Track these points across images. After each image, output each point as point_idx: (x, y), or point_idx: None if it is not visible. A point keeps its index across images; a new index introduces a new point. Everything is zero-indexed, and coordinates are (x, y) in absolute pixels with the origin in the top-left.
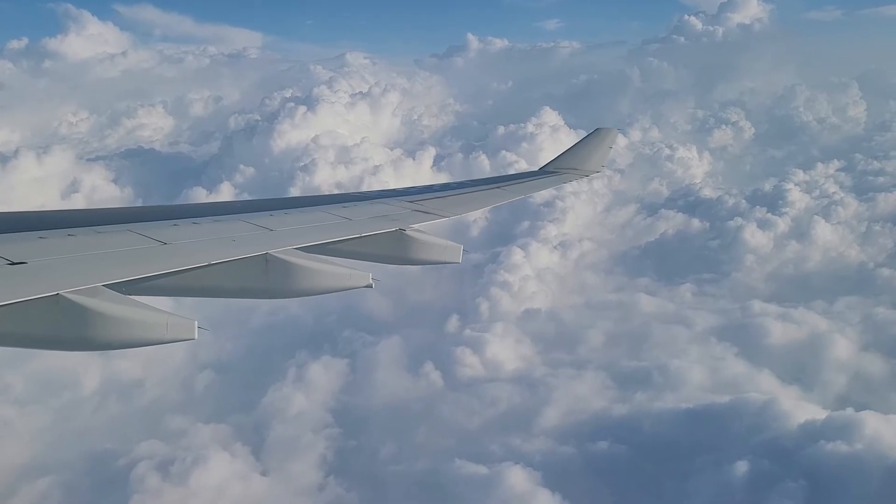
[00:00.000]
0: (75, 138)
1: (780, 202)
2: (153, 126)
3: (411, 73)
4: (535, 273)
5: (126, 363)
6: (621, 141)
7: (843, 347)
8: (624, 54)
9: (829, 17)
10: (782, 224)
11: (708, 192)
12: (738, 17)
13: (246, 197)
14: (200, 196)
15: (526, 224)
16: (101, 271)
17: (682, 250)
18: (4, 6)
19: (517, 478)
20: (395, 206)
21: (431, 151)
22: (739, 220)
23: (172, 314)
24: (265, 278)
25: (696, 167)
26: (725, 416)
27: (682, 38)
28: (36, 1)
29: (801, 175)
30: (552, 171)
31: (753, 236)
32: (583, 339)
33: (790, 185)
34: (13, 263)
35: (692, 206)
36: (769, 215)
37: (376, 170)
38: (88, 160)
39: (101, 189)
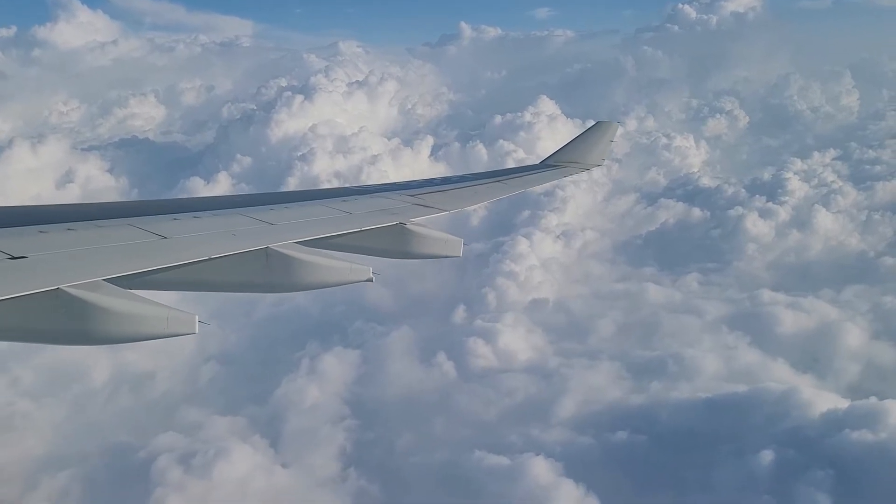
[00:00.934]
0: (66, 128)
1: (780, 191)
2: (145, 115)
3: (404, 62)
4: (539, 263)
5: (134, 355)
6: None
7: (854, 336)
8: (617, 43)
9: (820, 6)
10: (783, 213)
11: (706, 181)
12: (731, 6)
13: (243, 187)
14: (198, 186)
15: (526, 214)
16: (101, 265)
17: (684, 239)
18: None
19: (540, 468)
20: (396, 199)
21: (429, 141)
22: (740, 209)
23: (173, 308)
24: (266, 272)
25: (693, 156)
26: (745, 405)
27: (676, 27)
28: None
29: (798, 164)
30: (553, 165)
31: (755, 225)
32: (593, 328)
33: (789, 174)
34: (13, 258)
35: (691, 195)
36: (769, 204)
37: (375, 159)
38: (83, 150)
39: (96, 179)
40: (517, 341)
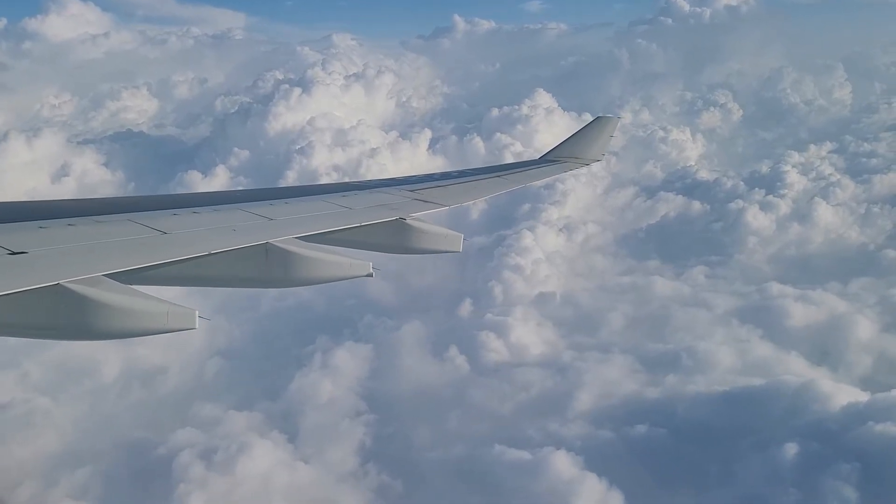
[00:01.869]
0: (58, 121)
1: (779, 184)
2: (138, 108)
3: (398, 55)
4: (544, 256)
5: (143, 350)
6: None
7: (864, 329)
8: (611, 36)
9: None
10: (783, 206)
11: (704, 175)
12: None
13: (242, 180)
14: (196, 180)
15: (527, 207)
16: (101, 261)
17: (685, 233)
18: None
19: (562, 463)
20: (396, 195)
21: (427, 134)
22: (740, 202)
23: (173, 303)
24: (265, 268)
25: (690, 149)
26: (763, 398)
27: (670, 20)
28: None
29: (796, 157)
30: (553, 160)
31: (756, 218)
32: (603, 322)
33: (787, 167)
34: (13, 253)
35: (690, 188)
36: (770, 197)
37: (373, 153)
38: (78, 143)
39: (92, 173)
40: (528, 335)
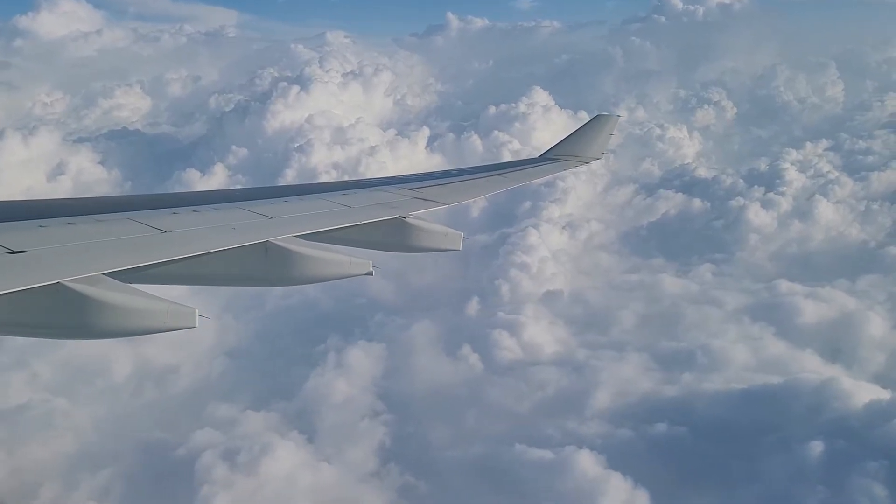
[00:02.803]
0: (51, 119)
1: (778, 181)
2: (131, 106)
3: (391, 53)
4: (550, 254)
5: (153, 350)
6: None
7: (875, 326)
8: (604, 34)
9: None
10: (784, 203)
11: (703, 172)
12: None
13: (240, 178)
14: (194, 178)
15: (528, 205)
16: (101, 260)
17: (687, 230)
18: None
19: (586, 462)
20: (395, 193)
21: (425, 132)
22: (741, 199)
23: (173, 302)
24: (265, 266)
25: (686, 147)
26: (783, 396)
27: (663, 18)
28: None
29: (794, 154)
30: (553, 158)
31: (757, 216)
32: (614, 320)
33: (786, 165)
34: (13, 252)
35: (689, 185)
36: (770, 195)
37: (372, 151)
38: (74, 141)
39: (88, 171)
40: (541, 333)
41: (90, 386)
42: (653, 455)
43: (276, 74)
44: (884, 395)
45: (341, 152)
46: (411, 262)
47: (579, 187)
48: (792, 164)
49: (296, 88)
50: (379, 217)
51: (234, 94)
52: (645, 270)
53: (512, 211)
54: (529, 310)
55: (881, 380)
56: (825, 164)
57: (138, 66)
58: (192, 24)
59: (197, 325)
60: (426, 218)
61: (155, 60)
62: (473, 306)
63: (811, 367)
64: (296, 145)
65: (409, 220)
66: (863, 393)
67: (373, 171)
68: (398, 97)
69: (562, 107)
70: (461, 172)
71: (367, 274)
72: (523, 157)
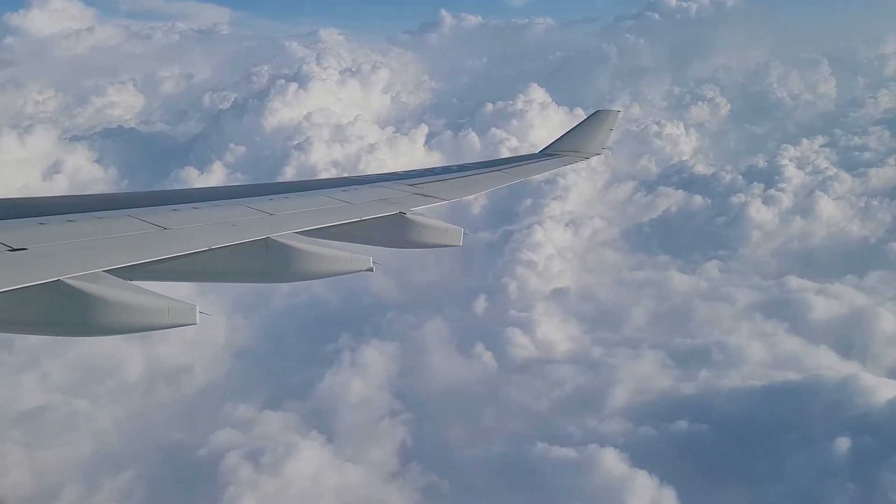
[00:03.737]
0: (43, 117)
1: (777, 178)
2: (124, 104)
3: (385, 51)
4: (555, 252)
5: (164, 349)
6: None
7: (888, 322)
8: (598, 31)
9: None
10: (785, 200)
11: (701, 169)
12: None
13: (239, 176)
14: (192, 176)
15: (529, 202)
16: (101, 257)
17: (689, 227)
18: None
19: (611, 460)
20: (396, 189)
21: (423, 129)
22: (742, 196)
23: (173, 299)
24: (266, 262)
25: (683, 144)
26: (803, 393)
27: (656, 15)
28: None
29: (791, 151)
30: (553, 154)
31: (759, 212)
32: (625, 317)
33: (784, 161)
34: (14, 250)
35: (688, 182)
36: (771, 191)
37: (371, 148)
38: (69, 140)
39: (85, 170)
40: (553, 331)
41: (101, 386)
42: (676, 453)
43: (271, 72)
44: None
45: (340, 150)
46: (418, 260)
47: (580, 184)
48: (790, 160)
49: (293, 86)
50: (379, 213)
51: (228, 91)
52: (651, 267)
53: (513, 208)
54: (540, 307)
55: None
56: (823, 160)
57: (131, 63)
58: (185, 21)
59: (198, 321)
60: (426, 214)
61: (147, 58)
62: (483, 304)
63: (827, 363)
64: (294, 143)
65: (409, 216)
66: (885, 389)
67: (372, 168)
68: (393, 94)
69: (558, 104)
70: (461, 168)
71: (367, 270)
72: (521, 153)
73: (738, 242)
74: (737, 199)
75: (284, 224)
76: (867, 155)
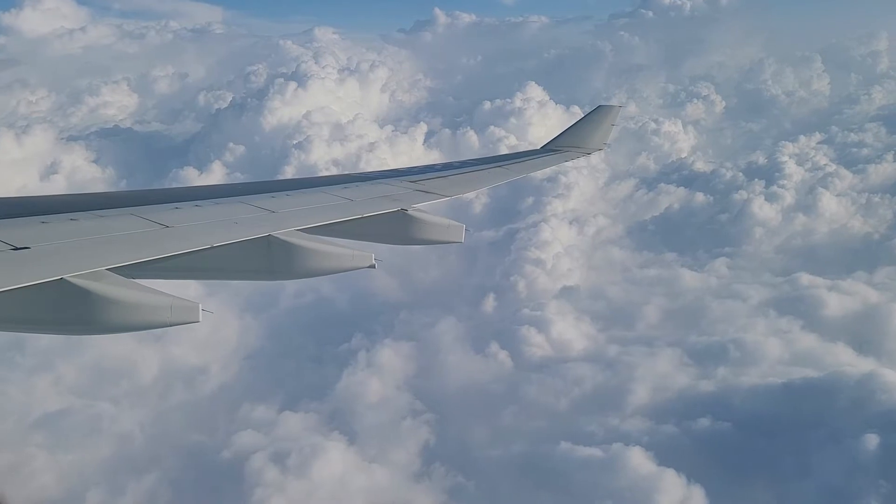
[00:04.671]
0: (36, 117)
1: (777, 175)
2: (118, 104)
3: (379, 49)
4: (563, 250)
5: (177, 351)
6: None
7: None
8: (592, 29)
9: None
10: (788, 197)
11: (701, 166)
12: None
13: (239, 176)
14: (191, 176)
15: (530, 200)
16: (104, 255)
17: (693, 224)
18: None
19: (638, 459)
20: (397, 186)
21: (422, 128)
22: (744, 193)
23: (176, 297)
24: (268, 260)
25: (681, 141)
26: (825, 390)
27: (650, 13)
28: None
29: (790, 147)
30: (554, 150)
31: (762, 209)
32: (638, 315)
33: (785, 158)
34: (16, 248)
35: (688, 179)
36: (774, 188)
37: (371, 147)
38: (64, 140)
39: (82, 170)
40: (568, 329)
41: (116, 389)
42: (701, 451)
43: (268, 71)
44: None
45: (340, 149)
46: (426, 259)
47: (581, 182)
48: (790, 157)
49: (292, 85)
50: (381, 210)
51: (223, 90)
52: (658, 265)
53: (514, 207)
54: (552, 306)
55: None
56: (822, 157)
57: (124, 62)
58: (178, 20)
59: (200, 319)
60: (428, 210)
61: (141, 57)
62: (494, 303)
63: (846, 359)
64: (294, 142)
65: (411, 212)
66: None
67: (372, 167)
68: (391, 93)
69: (555, 102)
70: (463, 164)
71: (369, 267)
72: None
73: (743, 239)
74: (739, 196)
75: (286, 221)
76: (865, 151)
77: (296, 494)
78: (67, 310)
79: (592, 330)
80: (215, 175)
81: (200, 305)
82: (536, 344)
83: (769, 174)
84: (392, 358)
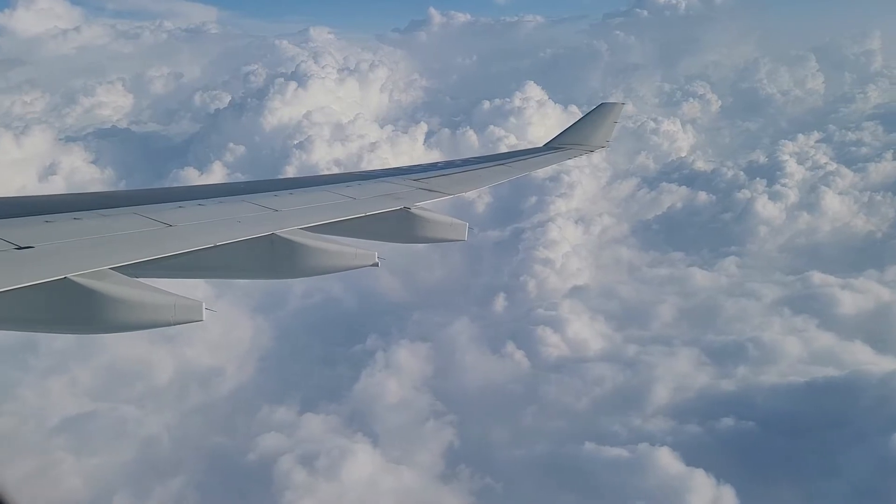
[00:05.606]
0: (31, 118)
1: (778, 173)
2: (113, 104)
3: (374, 49)
4: (571, 249)
5: (190, 352)
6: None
7: None
8: (587, 28)
9: None
10: (792, 195)
11: (701, 165)
12: None
13: (239, 176)
14: (191, 176)
15: (533, 200)
16: (107, 254)
17: (696, 223)
18: None
19: (666, 458)
20: (400, 184)
21: (423, 128)
22: (747, 192)
23: (180, 296)
24: (271, 259)
25: (681, 140)
26: (847, 388)
27: (645, 12)
28: None
29: (790, 146)
30: (557, 147)
31: (765, 208)
32: (653, 314)
33: (785, 157)
34: (20, 248)
35: (689, 178)
36: (777, 187)
37: (372, 147)
38: (62, 140)
39: (81, 170)
40: (583, 329)
41: (132, 391)
42: (727, 450)
43: (266, 71)
44: None
45: (341, 149)
46: (433, 259)
47: (583, 181)
48: (790, 155)
49: (292, 84)
50: (384, 208)
51: (219, 90)
52: (666, 264)
53: (517, 206)
54: (564, 305)
55: None
56: (821, 155)
57: (119, 63)
58: (172, 20)
59: (204, 318)
60: (431, 209)
61: (136, 57)
62: (506, 303)
63: (865, 358)
64: (294, 142)
65: (414, 210)
66: None
67: (374, 167)
68: (389, 93)
69: (553, 101)
70: (465, 163)
71: (373, 265)
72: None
73: (748, 238)
74: (741, 195)
75: (289, 220)
76: (864, 150)
77: (326, 497)
78: (71, 309)
79: (608, 329)
80: (216, 175)
81: (204, 304)
82: (553, 344)
83: (770, 173)
84: (408, 359)
